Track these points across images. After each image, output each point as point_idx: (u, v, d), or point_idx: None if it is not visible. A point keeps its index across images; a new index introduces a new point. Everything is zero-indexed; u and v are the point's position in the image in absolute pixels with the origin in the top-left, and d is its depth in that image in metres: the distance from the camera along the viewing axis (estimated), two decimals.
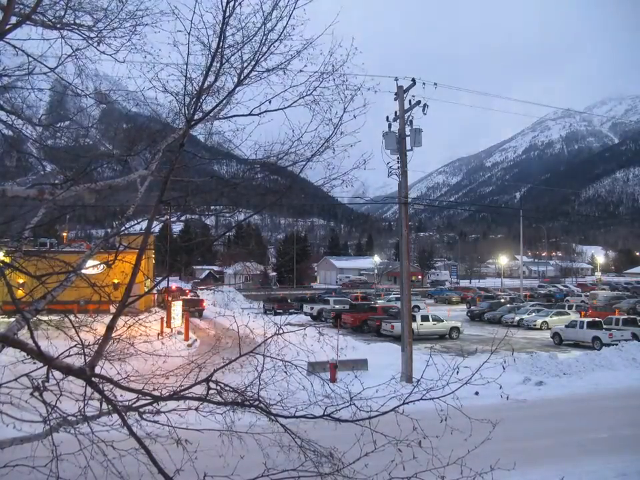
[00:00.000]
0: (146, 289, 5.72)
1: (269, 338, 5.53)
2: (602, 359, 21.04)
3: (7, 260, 5.51)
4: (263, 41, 5.07)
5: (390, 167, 18.28)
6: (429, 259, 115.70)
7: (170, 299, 33.89)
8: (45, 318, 5.46)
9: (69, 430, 4.74)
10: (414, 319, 27.34)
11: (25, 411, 4.91)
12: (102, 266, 5.80)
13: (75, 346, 5.09)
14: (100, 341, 5.09)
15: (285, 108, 5.49)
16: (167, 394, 4.97)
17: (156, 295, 41.72)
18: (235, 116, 5.63)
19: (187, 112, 5.30)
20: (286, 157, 5.57)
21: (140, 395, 4.91)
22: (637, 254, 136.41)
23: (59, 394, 4.82)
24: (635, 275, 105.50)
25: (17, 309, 4.96)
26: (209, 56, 5.09)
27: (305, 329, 6.40)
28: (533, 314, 38.07)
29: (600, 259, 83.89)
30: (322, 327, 33.86)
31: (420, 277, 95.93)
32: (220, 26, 4.94)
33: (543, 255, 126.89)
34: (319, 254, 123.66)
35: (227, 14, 4.89)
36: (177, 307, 33.03)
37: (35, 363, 4.86)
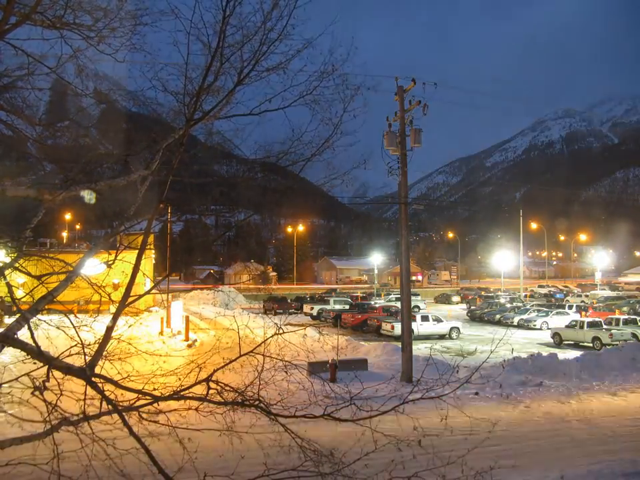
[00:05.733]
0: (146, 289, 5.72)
1: (269, 338, 5.53)
2: (602, 359, 21.03)
3: (9, 260, 5.51)
4: (263, 40, 5.08)
5: (390, 167, 18.26)
6: (429, 258, 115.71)
7: (170, 298, 33.86)
8: (45, 318, 5.46)
9: (70, 429, 4.74)
10: (414, 318, 27.32)
11: (25, 410, 4.92)
12: (102, 266, 5.79)
13: (75, 346, 5.08)
14: (100, 340, 5.09)
15: (285, 107, 5.50)
16: (167, 394, 4.97)
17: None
18: (235, 115, 5.64)
19: (186, 111, 5.30)
20: (286, 157, 5.58)
21: (140, 395, 4.92)
22: (638, 254, 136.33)
23: (60, 393, 4.83)
24: (636, 275, 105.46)
25: (17, 309, 4.96)
26: (209, 55, 5.10)
27: (304, 328, 6.41)
28: (533, 314, 38.03)
29: (600, 259, 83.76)
30: (322, 326, 33.72)
31: (420, 276, 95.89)
32: (220, 25, 4.95)
33: (543, 255, 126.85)
34: (319, 254, 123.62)
35: (227, 13, 4.90)
36: (177, 307, 33.01)
37: (35, 363, 4.86)
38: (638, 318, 31.02)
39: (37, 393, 4.67)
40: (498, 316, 40.22)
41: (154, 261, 38.08)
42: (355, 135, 5.57)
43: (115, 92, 7.64)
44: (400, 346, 19.27)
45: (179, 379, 5.28)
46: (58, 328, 5.45)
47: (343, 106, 5.34)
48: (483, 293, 66.02)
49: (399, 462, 5.48)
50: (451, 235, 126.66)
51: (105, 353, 5.14)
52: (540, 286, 79.43)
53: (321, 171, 5.58)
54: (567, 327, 30.04)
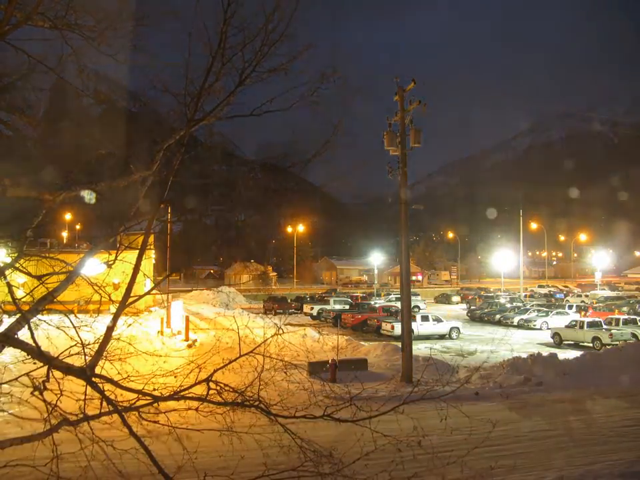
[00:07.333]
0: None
1: (269, 338, 5.53)
2: (602, 359, 21.03)
3: (9, 260, 5.51)
4: (264, 41, 5.09)
5: (390, 167, 18.26)
6: (429, 258, 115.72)
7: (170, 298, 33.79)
8: (45, 318, 5.47)
9: (70, 430, 4.74)
10: (414, 318, 27.31)
11: (25, 410, 4.92)
12: (102, 266, 5.80)
13: (75, 346, 5.09)
14: (100, 341, 5.10)
15: (286, 109, 5.51)
16: (167, 394, 4.97)
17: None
18: (236, 116, 5.65)
19: (188, 112, 5.31)
20: (286, 158, 5.59)
21: (140, 395, 4.92)
22: (638, 254, 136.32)
23: (60, 394, 4.83)
24: (636, 275, 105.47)
25: (17, 309, 4.97)
26: (210, 56, 5.10)
27: (304, 329, 6.41)
28: (533, 314, 38.02)
29: (600, 259, 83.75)
30: (322, 326, 33.68)
31: (420, 276, 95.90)
32: (221, 27, 4.95)
33: (543, 255, 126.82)
34: (319, 254, 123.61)
35: (228, 14, 4.90)
36: (177, 307, 32.99)
37: (35, 363, 4.86)
38: (638, 318, 31.00)
39: (36, 392, 4.68)
40: (498, 316, 40.20)
41: (154, 261, 38.06)
42: (355, 136, 5.58)
43: (116, 92, 7.64)
44: (400, 346, 19.26)
45: (179, 379, 5.29)
46: (58, 328, 5.46)
47: (344, 107, 5.35)
48: (482, 293, 65.95)
49: (398, 462, 5.48)
50: (450, 235, 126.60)
51: (105, 353, 5.14)
52: (540, 286, 79.36)
53: (322, 171, 5.59)
54: (566, 327, 30.02)
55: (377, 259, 76.27)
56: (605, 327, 28.91)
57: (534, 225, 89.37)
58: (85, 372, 4.77)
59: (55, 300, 5.12)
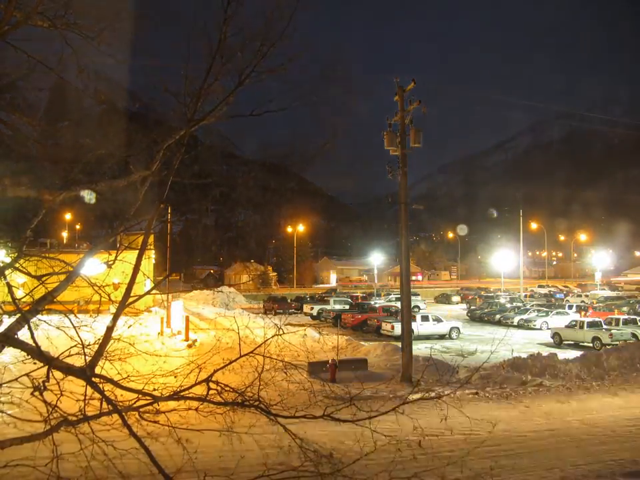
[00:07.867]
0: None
1: (269, 338, 5.53)
2: (602, 359, 21.00)
3: (9, 260, 5.51)
4: (264, 41, 5.09)
5: (390, 167, 18.26)
6: (429, 258, 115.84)
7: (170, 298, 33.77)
8: (45, 318, 5.46)
9: (70, 430, 4.74)
10: (414, 318, 27.31)
11: (25, 411, 4.92)
12: (102, 266, 5.80)
13: (75, 346, 5.09)
14: (100, 341, 5.10)
15: (286, 109, 5.51)
16: (167, 394, 4.97)
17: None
18: (235, 116, 5.66)
19: (187, 112, 5.31)
20: (287, 157, 5.60)
21: (140, 395, 4.92)
22: (638, 254, 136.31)
23: (60, 394, 4.83)
24: (636, 275, 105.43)
25: (17, 309, 4.97)
26: (210, 56, 5.10)
27: (304, 329, 6.41)
28: (533, 314, 38.03)
29: (600, 259, 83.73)
30: (322, 327, 33.72)
31: (420, 276, 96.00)
32: (221, 27, 4.95)
33: (543, 255, 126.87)
34: (319, 254, 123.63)
35: (228, 14, 4.90)
36: (177, 307, 32.97)
37: (35, 363, 4.86)
38: (638, 318, 31.00)
39: (36, 393, 4.68)
40: (498, 316, 40.21)
41: (154, 261, 38.09)
42: (356, 136, 5.59)
43: (116, 92, 7.63)
44: (400, 346, 19.26)
45: (179, 380, 5.28)
46: (58, 328, 5.46)
47: (344, 107, 5.37)
48: (483, 292, 65.98)
49: (398, 462, 5.48)
50: (450, 234, 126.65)
51: (105, 353, 5.14)
52: (540, 286, 79.34)
53: (322, 171, 5.60)
54: (566, 327, 30.02)
55: (376, 258, 76.31)
56: (605, 327, 28.90)
57: (534, 225, 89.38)
58: (85, 372, 4.77)
59: (55, 300, 5.12)
